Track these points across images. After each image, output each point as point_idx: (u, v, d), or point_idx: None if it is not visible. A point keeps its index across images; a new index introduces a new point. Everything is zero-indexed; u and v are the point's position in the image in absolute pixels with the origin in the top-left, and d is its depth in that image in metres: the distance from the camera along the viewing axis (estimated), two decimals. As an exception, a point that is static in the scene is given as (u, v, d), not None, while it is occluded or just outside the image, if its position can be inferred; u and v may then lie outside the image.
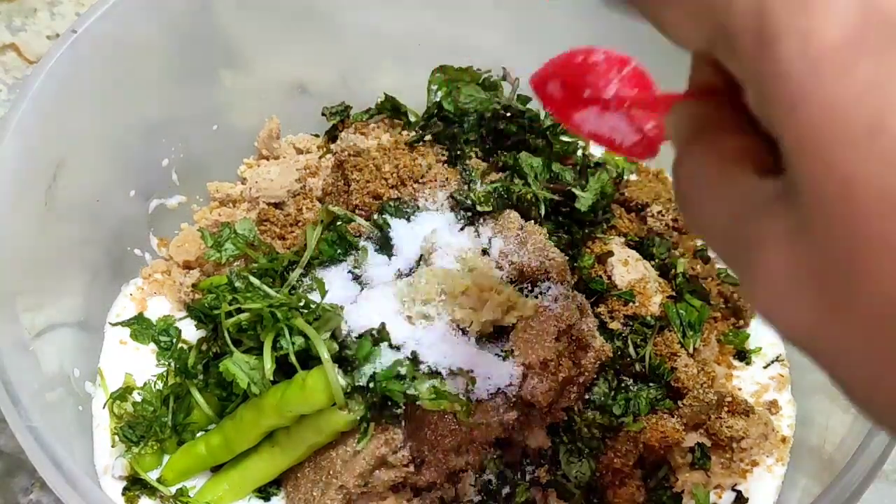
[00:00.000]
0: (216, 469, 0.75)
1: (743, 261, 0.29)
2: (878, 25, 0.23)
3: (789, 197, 0.26)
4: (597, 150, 0.94)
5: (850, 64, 0.23)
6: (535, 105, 0.87)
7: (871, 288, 0.24)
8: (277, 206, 0.87)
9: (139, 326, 0.82)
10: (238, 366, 0.69)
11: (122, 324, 0.83)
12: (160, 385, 0.78)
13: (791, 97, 0.24)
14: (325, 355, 0.67)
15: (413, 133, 0.87)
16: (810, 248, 0.26)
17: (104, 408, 0.77)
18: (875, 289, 0.24)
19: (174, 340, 0.82)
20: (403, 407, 0.67)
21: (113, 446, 0.76)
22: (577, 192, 0.81)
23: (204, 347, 0.78)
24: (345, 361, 0.68)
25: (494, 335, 0.69)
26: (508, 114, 0.85)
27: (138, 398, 0.77)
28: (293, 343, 0.69)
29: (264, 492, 0.73)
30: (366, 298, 0.72)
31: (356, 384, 0.67)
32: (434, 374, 0.66)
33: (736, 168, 0.30)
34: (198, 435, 0.76)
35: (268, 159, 0.93)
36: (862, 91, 0.23)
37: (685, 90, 0.37)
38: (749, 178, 0.29)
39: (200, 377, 0.76)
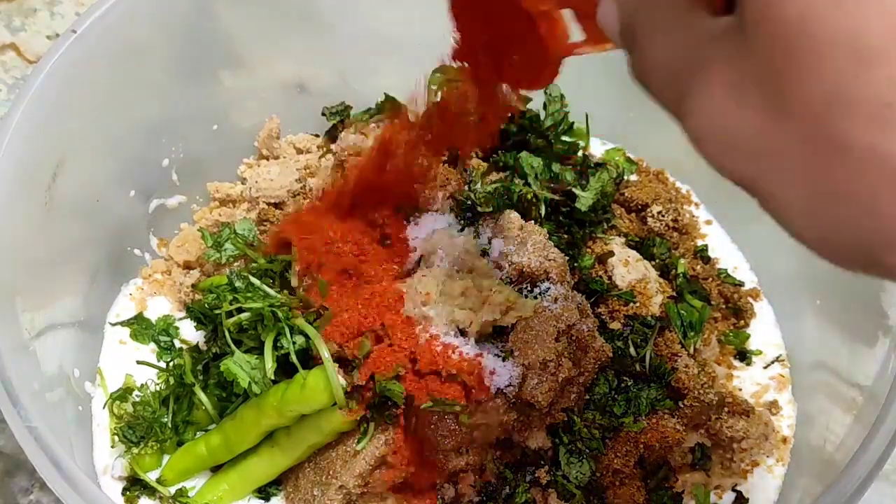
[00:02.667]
0: (216, 469, 0.75)
1: (687, 87, 0.32)
2: None
3: (738, 27, 0.29)
4: (597, 151, 0.94)
5: None
6: (535, 105, 0.87)
7: (812, 80, 0.27)
8: (277, 206, 0.87)
9: (139, 326, 0.82)
10: (239, 365, 0.69)
11: (122, 324, 0.83)
12: (160, 385, 0.78)
13: None
14: (325, 354, 0.67)
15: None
16: (754, 63, 0.28)
17: (104, 408, 0.77)
18: (817, 81, 0.26)
19: (174, 340, 0.82)
20: (403, 407, 0.67)
21: (113, 447, 0.76)
22: (577, 191, 0.80)
23: (204, 348, 0.78)
24: (345, 361, 0.68)
25: (494, 335, 0.69)
26: (508, 114, 0.85)
27: (138, 398, 0.77)
28: (294, 343, 0.69)
29: (264, 492, 0.73)
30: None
31: (356, 384, 0.67)
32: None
33: (689, 5, 0.33)
34: (198, 435, 0.76)
35: (268, 159, 0.93)
36: None
37: None
38: (700, 16, 0.32)
39: (200, 377, 0.76)
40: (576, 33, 0.43)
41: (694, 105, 0.31)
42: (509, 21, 0.41)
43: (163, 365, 0.80)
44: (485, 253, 0.75)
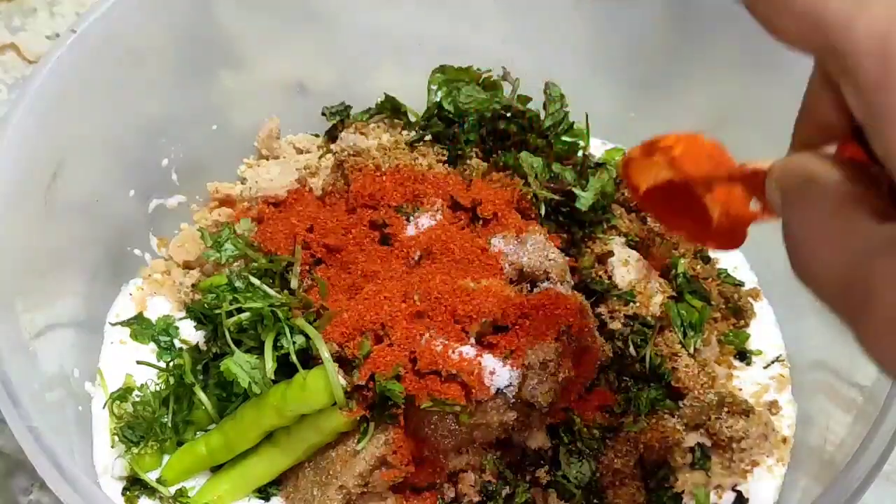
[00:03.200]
0: (216, 469, 0.75)
1: (858, 304, 0.29)
2: None
3: None
4: (597, 151, 0.94)
5: None
6: (535, 105, 0.87)
7: None
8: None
9: (139, 326, 0.82)
10: (239, 365, 0.69)
11: (122, 324, 0.83)
12: (160, 385, 0.78)
13: None
14: (325, 354, 0.67)
15: (413, 133, 0.87)
16: None
17: (104, 408, 0.77)
18: None
19: (174, 340, 0.82)
20: (403, 407, 0.67)
21: (113, 447, 0.76)
22: (577, 191, 0.80)
23: (204, 348, 0.78)
24: (345, 361, 0.68)
25: (494, 335, 0.69)
26: (508, 114, 0.85)
27: (138, 398, 0.77)
28: (294, 342, 0.69)
29: (264, 492, 0.73)
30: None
31: (356, 384, 0.67)
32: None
33: (853, 214, 0.30)
34: (198, 435, 0.76)
35: (268, 159, 0.93)
36: None
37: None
38: (867, 223, 0.30)
39: (200, 377, 0.76)
40: None
41: (867, 329, 0.29)
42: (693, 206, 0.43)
43: (162, 365, 0.80)
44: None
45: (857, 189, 0.31)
